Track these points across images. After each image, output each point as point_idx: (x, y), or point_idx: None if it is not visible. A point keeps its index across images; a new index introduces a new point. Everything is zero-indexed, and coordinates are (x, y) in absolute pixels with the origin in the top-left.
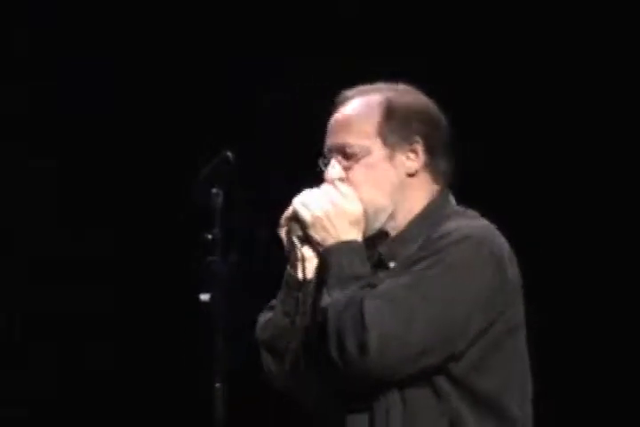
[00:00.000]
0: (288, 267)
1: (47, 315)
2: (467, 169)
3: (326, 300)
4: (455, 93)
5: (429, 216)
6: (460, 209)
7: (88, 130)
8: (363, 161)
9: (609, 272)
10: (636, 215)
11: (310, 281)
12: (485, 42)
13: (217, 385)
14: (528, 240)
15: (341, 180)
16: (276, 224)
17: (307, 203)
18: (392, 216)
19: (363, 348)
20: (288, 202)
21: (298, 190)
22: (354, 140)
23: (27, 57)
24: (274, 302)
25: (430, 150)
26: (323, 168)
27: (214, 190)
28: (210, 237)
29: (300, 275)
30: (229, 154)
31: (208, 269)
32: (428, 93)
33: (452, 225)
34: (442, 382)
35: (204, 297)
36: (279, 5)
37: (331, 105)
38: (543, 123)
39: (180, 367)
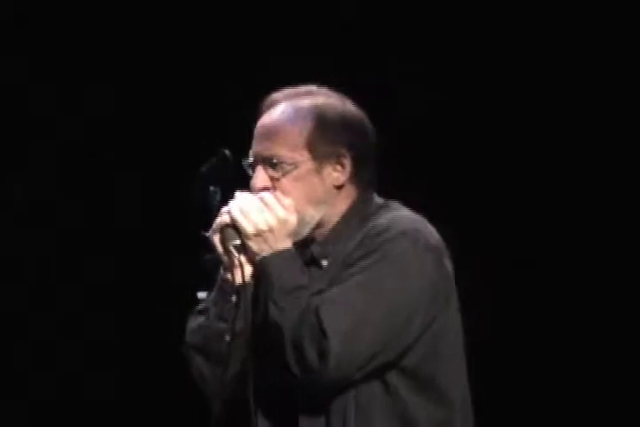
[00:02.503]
0: (221, 271)
1: (47, 313)
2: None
3: (274, 312)
4: (452, 93)
5: (355, 214)
6: (383, 202)
7: (87, 129)
8: (290, 173)
9: (605, 272)
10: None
11: (247, 285)
12: (484, 43)
13: None
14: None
15: (267, 189)
16: None
17: (248, 213)
18: (319, 225)
19: (324, 356)
20: None
21: None
22: (282, 152)
23: (27, 56)
24: (202, 306)
25: (357, 162)
26: (248, 172)
27: (212, 188)
28: (207, 234)
29: (238, 280)
30: (227, 152)
31: (205, 266)
32: (424, 94)
33: (384, 220)
34: (390, 375)
35: (202, 295)
36: (279, 5)
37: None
38: (534, 125)
39: (178, 364)
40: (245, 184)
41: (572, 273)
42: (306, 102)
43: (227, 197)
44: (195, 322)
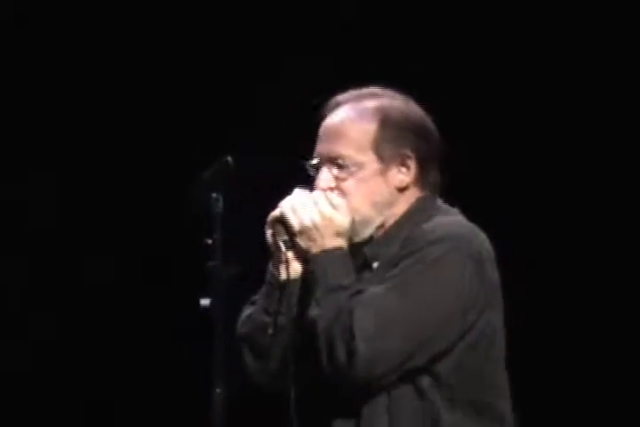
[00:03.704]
0: (271, 266)
1: (46, 311)
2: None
3: (314, 310)
4: (451, 93)
5: (412, 216)
6: (444, 207)
7: (88, 135)
8: (355, 174)
9: (602, 274)
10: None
11: (294, 282)
12: (485, 43)
13: (217, 391)
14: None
15: (331, 189)
16: None
17: (296, 209)
18: (380, 226)
19: (352, 356)
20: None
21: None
22: (348, 153)
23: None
24: (256, 297)
25: (422, 164)
26: (312, 173)
27: (214, 195)
28: (210, 241)
29: (283, 276)
30: (229, 159)
31: (208, 273)
32: (424, 94)
33: (432, 224)
34: (423, 381)
35: (204, 302)
36: (278, 5)
37: (322, 108)
38: (531, 125)
39: (180, 372)
40: (251, 191)
41: (572, 273)
42: (370, 104)
43: (228, 205)
44: (245, 312)
